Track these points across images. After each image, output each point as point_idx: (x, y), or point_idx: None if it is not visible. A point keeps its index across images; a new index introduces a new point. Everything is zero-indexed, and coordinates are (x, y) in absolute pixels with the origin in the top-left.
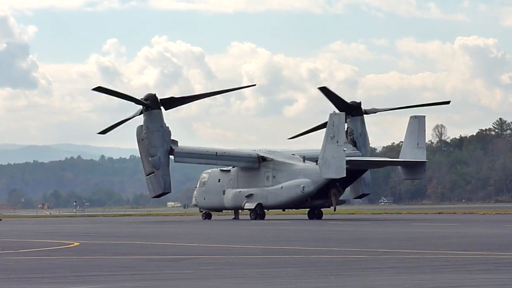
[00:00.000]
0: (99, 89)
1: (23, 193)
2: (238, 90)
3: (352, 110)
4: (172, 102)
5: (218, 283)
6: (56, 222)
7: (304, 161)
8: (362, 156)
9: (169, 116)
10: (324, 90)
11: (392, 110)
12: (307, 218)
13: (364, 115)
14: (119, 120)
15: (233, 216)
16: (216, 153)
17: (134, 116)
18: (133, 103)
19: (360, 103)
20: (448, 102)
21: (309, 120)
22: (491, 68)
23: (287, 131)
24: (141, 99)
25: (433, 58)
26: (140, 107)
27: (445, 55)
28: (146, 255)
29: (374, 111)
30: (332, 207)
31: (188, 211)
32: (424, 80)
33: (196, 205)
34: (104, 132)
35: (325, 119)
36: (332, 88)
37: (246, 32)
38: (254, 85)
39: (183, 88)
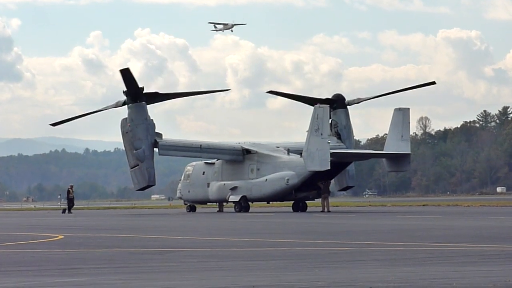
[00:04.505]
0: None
1: (7, 186)
2: (222, 84)
3: (334, 103)
4: (155, 97)
5: (203, 276)
6: (41, 215)
7: (288, 153)
8: (347, 148)
9: (153, 109)
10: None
11: (377, 98)
12: (292, 210)
13: (348, 107)
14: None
15: (218, 209)
16: (201, 145)
17: (107, 108)
18: (118, 96)
19: (340, 94)
20: (434, 83)
21: (293, 113)
22: (474, 60)
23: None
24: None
25: (416, 50)
26: (119, 99)
27: (428, 47)
28: (131, 248)
29: (358, 101)
30: (315, 199)
31: (173, 203)
32: (407, 72)
33: (180, 198)
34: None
35: (309, 112)
36: (317, 81)
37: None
38: (229, 89)
39: (167, 81)
